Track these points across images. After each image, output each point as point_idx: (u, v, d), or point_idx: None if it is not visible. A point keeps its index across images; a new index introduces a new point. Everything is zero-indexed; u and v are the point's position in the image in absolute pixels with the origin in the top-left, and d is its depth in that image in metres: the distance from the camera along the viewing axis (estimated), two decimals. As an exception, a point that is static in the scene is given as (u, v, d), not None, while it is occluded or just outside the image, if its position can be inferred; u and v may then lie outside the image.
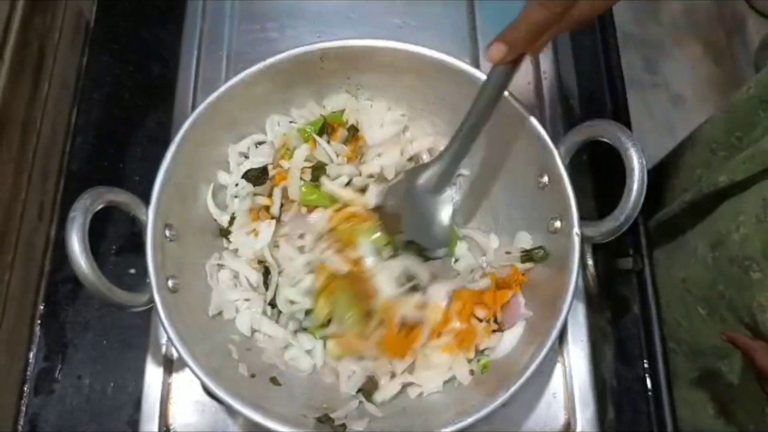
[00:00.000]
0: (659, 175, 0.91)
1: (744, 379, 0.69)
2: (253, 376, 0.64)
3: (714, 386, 0.75)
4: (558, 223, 0.64)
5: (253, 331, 0.67)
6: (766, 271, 0.63)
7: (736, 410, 0.71)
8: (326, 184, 0.70)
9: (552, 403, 0.70)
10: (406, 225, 0.65)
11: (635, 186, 0.58)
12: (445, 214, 0.65)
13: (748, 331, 0.67)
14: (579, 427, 0.69)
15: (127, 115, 0.82)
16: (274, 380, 0.64)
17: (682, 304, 0.76)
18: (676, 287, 0.77)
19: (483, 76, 0.66)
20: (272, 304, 0.67)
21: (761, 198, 0.64)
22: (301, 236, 0.69)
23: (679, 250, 0.80)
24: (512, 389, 0.56)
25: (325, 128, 0.73)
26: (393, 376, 0.65)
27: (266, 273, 0.68)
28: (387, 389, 0.65)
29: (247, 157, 0.72)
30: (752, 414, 0.68)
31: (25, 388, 0.70)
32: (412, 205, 0.65)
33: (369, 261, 0.66)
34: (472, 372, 0.65)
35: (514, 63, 0.55)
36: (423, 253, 0.67)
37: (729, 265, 0.67)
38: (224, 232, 0.70)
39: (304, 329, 0.68)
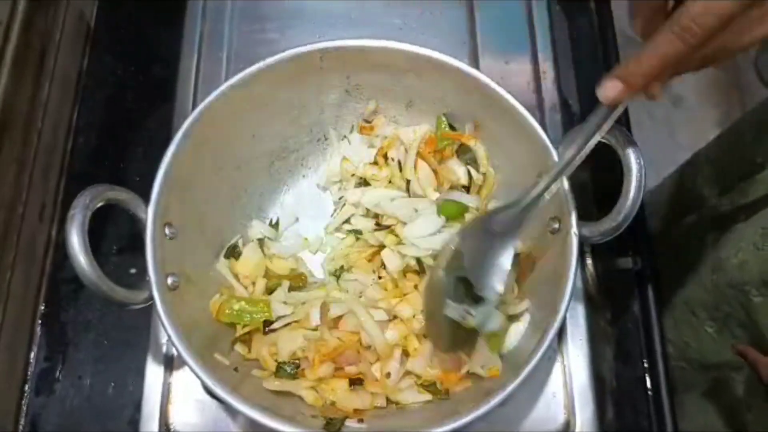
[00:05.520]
0: (664, 193, 0.91)
1: (756, 390, 0.69)
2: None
3: (727, 396, 0.75)
4: (556, 224, 0.64)
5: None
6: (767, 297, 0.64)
7: (749, 420, 0.72)
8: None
9: (551, 403, 0.70)
10: (466, 262, 0.62)
11: (633, 186, 0.58)
12: (506, 258, 0.61)
13: (758, 346, 0.67)
14: (578, 427, 0.69)
15: (127, 115, 0.83)
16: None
17: (688, 325, 0.77)
18: (680, 309, 0.78)
19: (481, 76, 0.67)
20: None
21: (761, 227, 0.65)
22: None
23: (677, 272, 0.81)
24: (510, 388, 0.56)
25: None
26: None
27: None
28: None
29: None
30: (764, 424, 0.68)
31: (26, 388, 0.71)
32: (476, 244, 0.63)
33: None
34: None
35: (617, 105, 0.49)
36: (471, 291, 0.62)
37: (729, 289, 0.68)
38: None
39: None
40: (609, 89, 0.47)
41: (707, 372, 0.76)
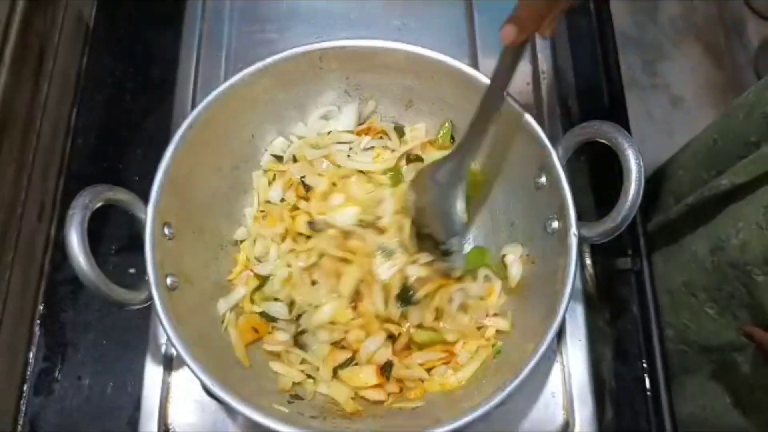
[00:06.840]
0: (658, 180, 0.91)
1: (761, 370, 0.69)
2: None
3: (731, 377, 0.75)
4: (556, 224, 0.64)
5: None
6: None
7: (755, 400, 0.71)
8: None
9: (550, 403, 0.70)
10: (427, 219, 0.67)
11: (632, 187, 0.58)
12: (459, 206, 0.66)
13: (763, 326, 0.67)
14: (577, 427, 0.69)
15: (127, 115, 0.83)
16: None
17: (687, 307, 0.76)
18: (678, 292, 0.77)
19: (481, 76, 0.67)
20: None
21: (762, 206, 0.64)
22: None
23: (677, 254, 0.80)
24: (509, 388, 0.56)
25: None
26: None
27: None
28: None
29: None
30: None
31: (25, 388, 0.70)
32: (429, 200, 0.67)
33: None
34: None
35: (522, 45, 0.56)
36: (438, 247, 0.68)
37: (731, 269, 0.68)
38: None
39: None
40: (506, 32, 0.54)
41: (708, 354, 0.76)
